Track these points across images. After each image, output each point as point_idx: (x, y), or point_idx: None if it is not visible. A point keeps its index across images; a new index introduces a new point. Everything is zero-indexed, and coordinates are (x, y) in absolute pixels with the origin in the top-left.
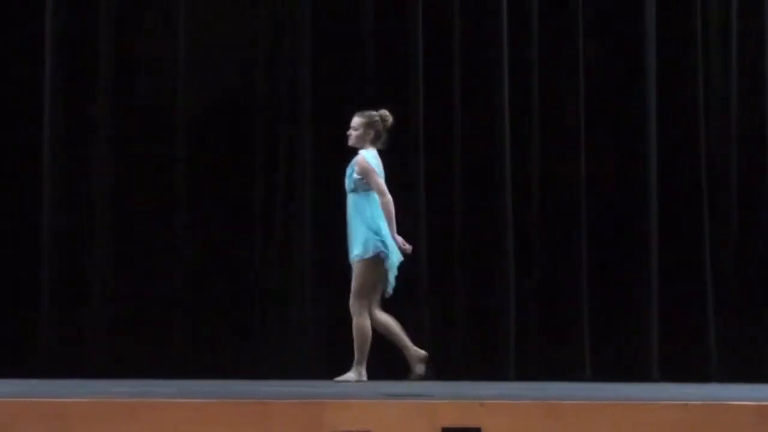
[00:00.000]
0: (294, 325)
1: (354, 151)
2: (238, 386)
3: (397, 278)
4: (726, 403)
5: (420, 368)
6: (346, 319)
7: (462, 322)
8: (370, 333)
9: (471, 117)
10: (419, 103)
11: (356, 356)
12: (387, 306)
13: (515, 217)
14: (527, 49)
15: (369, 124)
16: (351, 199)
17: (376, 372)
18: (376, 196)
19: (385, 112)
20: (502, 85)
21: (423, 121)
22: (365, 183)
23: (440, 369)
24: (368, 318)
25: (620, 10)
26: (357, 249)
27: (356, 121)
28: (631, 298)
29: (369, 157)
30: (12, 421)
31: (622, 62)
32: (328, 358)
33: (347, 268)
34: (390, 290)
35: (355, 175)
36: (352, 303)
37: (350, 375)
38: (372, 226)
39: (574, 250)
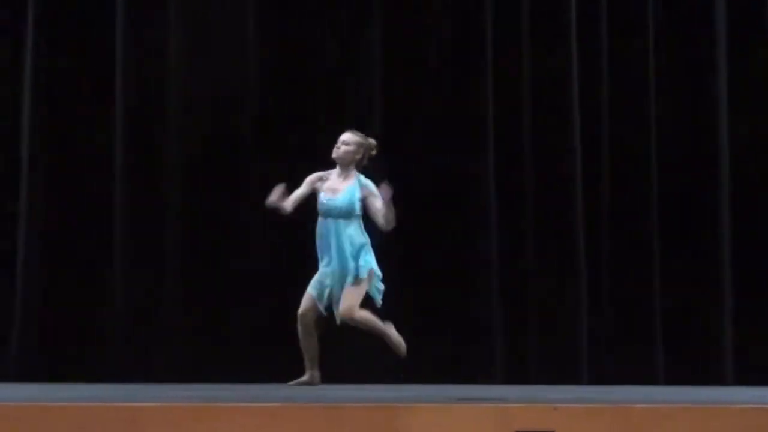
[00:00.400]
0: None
1: (332, 165)
2: (309, 390)
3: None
4: None
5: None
6: (420, 322)
7: (535, 325)
8: (371, 314)
9: (541, 140)
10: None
11: (380, 334)
12: (473, 307)
13: (587, 220)
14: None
15: (362, 145)
16: (349, 223)
17: (449, 376)
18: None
19: (374, 142)
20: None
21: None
22: (362, 207)
23: (512, 372)
24: (361, 309)
25: (690, 37)
26: (363, 268)
27: (350, 137)
28: (705, 300)
29: None
30: (83, 425)
31: (692, 78)
32: (400, 361)
33: (421, 270)
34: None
35: (358, 201)
36: (352, 317)
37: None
38: (367, 245)
39: (647, 254)
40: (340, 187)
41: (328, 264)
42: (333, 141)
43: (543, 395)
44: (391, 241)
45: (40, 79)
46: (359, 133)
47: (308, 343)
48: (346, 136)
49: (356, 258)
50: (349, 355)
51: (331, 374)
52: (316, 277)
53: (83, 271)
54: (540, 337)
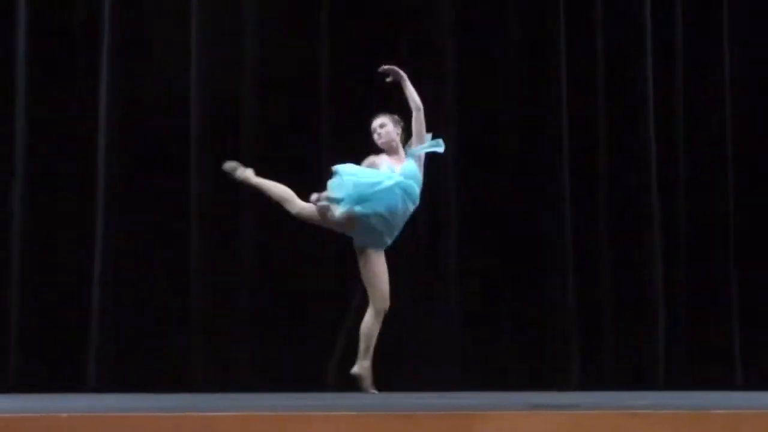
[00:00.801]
0: (441, 336)
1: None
2: (387, 399)
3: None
4: None
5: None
6: (494, 328)
7: (610, 331)
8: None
9: (616, 132)
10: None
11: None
12: (548, 313)
13: (663, 223)
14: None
15: (394, 120)
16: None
17: (524, 382)
18: None
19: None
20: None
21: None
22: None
23: (588, 378)
24: None
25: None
26: None
27: (383, 119)
28: None
29: None
30: None
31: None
32: (475, 368)
33: (495, 277)
34: None
35: (418, 169)
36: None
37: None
38: None
39: (723, 259)
40: (398, 165)
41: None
42: None
43: (619, 401)
44: (468, 250)
45: (115, 108)
46: (386, 113)
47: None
48: (380, 120)
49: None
50: (423, 361)
51: (406, 382)
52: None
53: (158, 282)
54: (615, 342)
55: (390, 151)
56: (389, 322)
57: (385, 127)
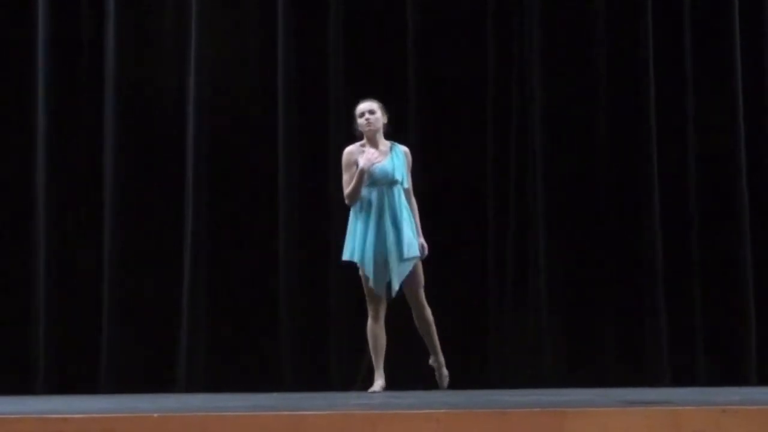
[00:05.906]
0: (531, 332)
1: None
2: (477, 396)
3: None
4: None
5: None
6: (585, 326)
7: (701, 327)
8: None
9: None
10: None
11: (435, 348)
12: (638, 309)
13: (751, 221)
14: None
15: (384, 110)
16: (398, 191)
17: (614, 378)
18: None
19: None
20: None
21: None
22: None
23: (680, 374)
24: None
25: None
26: (415, 247)
27: (374, 105)
28: None
29: None
30: None
31: None
32: (566, 364)
33: (583, 274)
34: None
35: (405, 169)
36: (423, 297)
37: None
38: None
39: None
40: (381, 157)
41: (379, 236)
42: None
43: (711, 398)
44: (558, 245)
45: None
46: (374, 100)
47: (380, 342)
48: (369, 105)
49: (409, 232)
50: (512, 358)
51: (497, 379)
52: (368, 263)
53: (247, 282)
54: (707, 338)
55: (371, 140)
56: (478, 318)
57: (375, 114)
